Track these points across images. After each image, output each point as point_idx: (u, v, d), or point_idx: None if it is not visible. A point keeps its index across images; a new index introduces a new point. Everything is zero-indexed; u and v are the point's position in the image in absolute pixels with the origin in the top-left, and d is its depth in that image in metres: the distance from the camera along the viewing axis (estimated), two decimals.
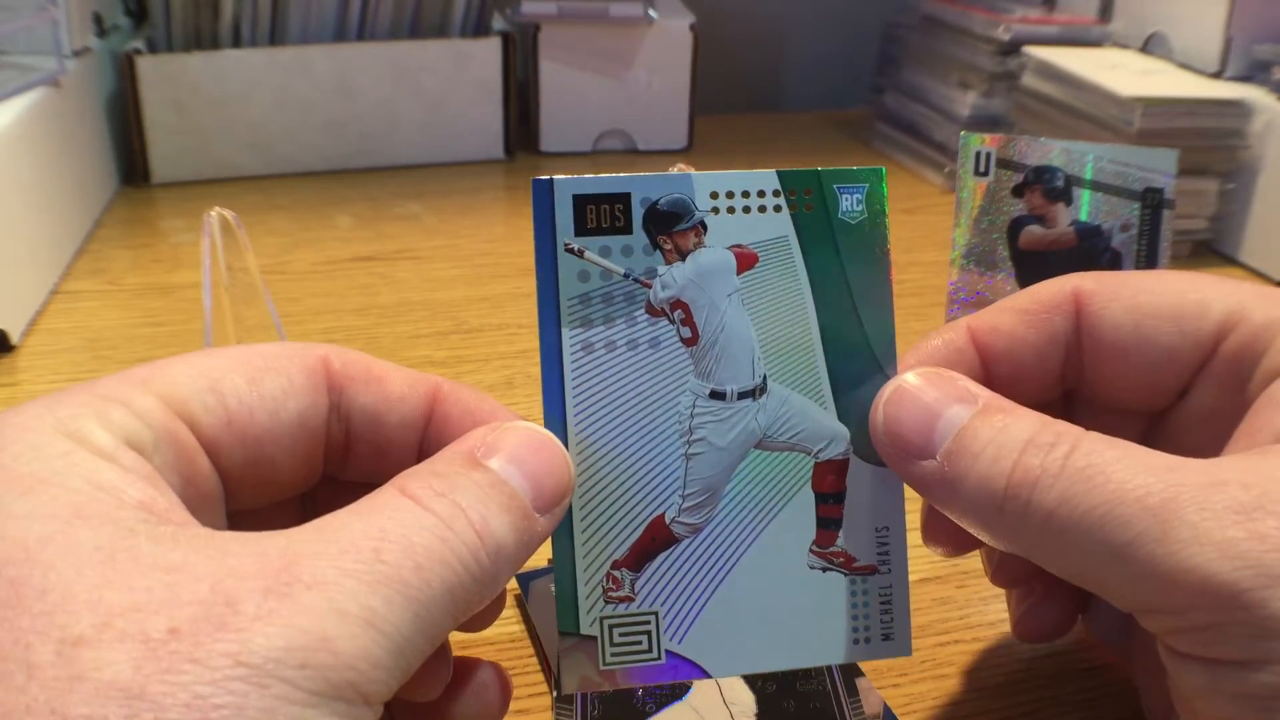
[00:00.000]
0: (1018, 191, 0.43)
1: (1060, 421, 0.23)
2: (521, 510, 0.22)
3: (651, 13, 0.80)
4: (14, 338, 0.52)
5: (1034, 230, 0.43)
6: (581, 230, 0.24)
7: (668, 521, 0.24)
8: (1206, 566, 0.20)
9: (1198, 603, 0.20)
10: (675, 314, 0.25)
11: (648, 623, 0.25)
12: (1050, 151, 0.43)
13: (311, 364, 0.24)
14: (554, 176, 0.24)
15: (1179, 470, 0.21)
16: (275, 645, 0.17)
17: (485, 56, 0.78)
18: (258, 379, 0.23)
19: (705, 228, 0.25)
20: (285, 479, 0.24)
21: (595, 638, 0.24)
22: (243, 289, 0.37)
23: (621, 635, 0.25)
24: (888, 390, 0.25)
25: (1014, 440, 0.22)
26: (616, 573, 0.25)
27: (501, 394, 0.49)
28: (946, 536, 0.28)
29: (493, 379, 0.50)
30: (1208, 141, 0.64)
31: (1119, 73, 0.68)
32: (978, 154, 0.43)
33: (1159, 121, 0.63)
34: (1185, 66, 0.71)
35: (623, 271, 0.25)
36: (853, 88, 0.99)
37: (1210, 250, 0.67)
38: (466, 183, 0.77)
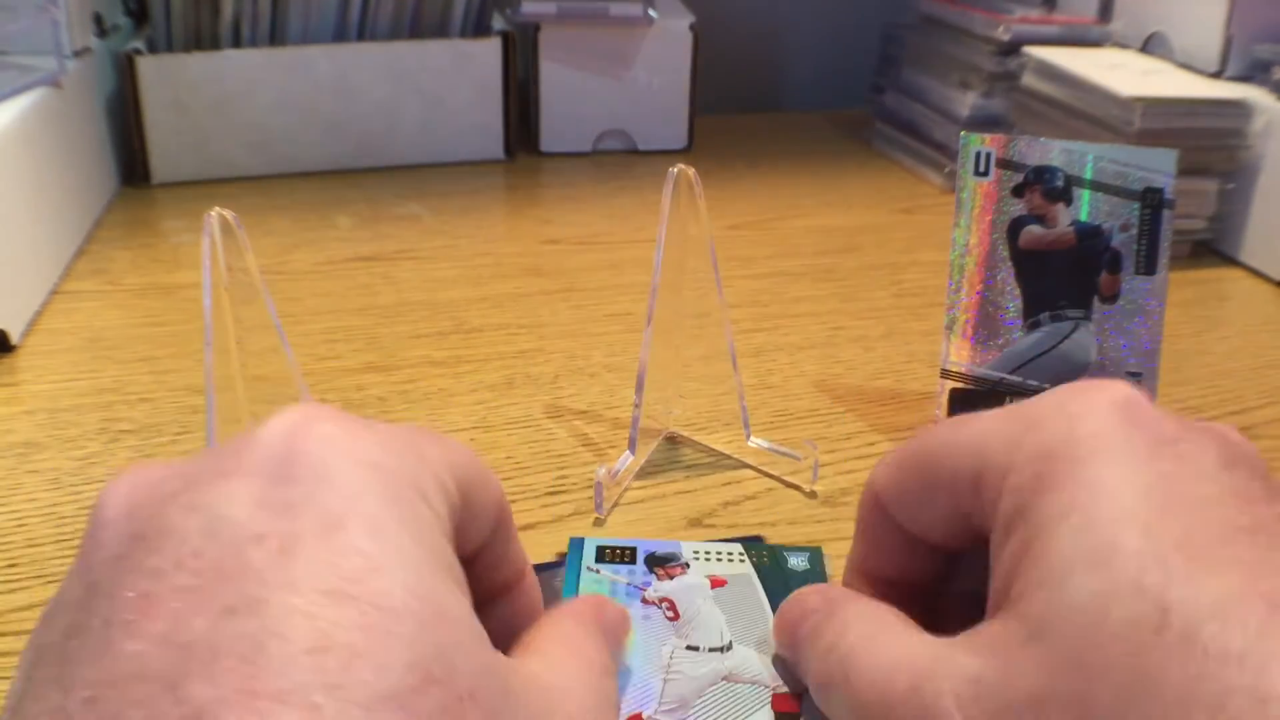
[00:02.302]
0: (1017, 191, 0.43)
1: (844, 615, 0.27)
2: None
3: (651, 13, 0.80)
4: (14, 338, 0.52)
5: (1034, 230, 0.43)
6: (600, 560, 0.36)
7: (645, 717, 0.30)
8: None
9: None
10: (663, 605, 0.34)
11: None
12: (1050, 151, 0.42)
13: (499, 500, 0.26)
14: (584, 537, 0.37)
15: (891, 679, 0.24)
16: None
17: (485, 57, 0.78)
18: (472, 489, 0.24)
19: (688, 567, 0.36)
20: None
21: None
22: (243, 289, 0.37)
23: None
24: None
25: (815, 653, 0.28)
26: None
27: (501, 394, 0.49)
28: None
29: (493, 379, 0.50)
30: (1208, 141, 0.64)
31: (1119, 73, 0.68)
32: (978, 154, 0.43)
33: (1159, 121, 0.63)
34: (1185, 66, 0.71)
35: (625, 580, 0.35)
36: (853, 88, 0.99)
37: (1210, 250, 0.67)
38: (466, 183, 0.77)
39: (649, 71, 0.82)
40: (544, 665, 0.24)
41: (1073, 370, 0.43)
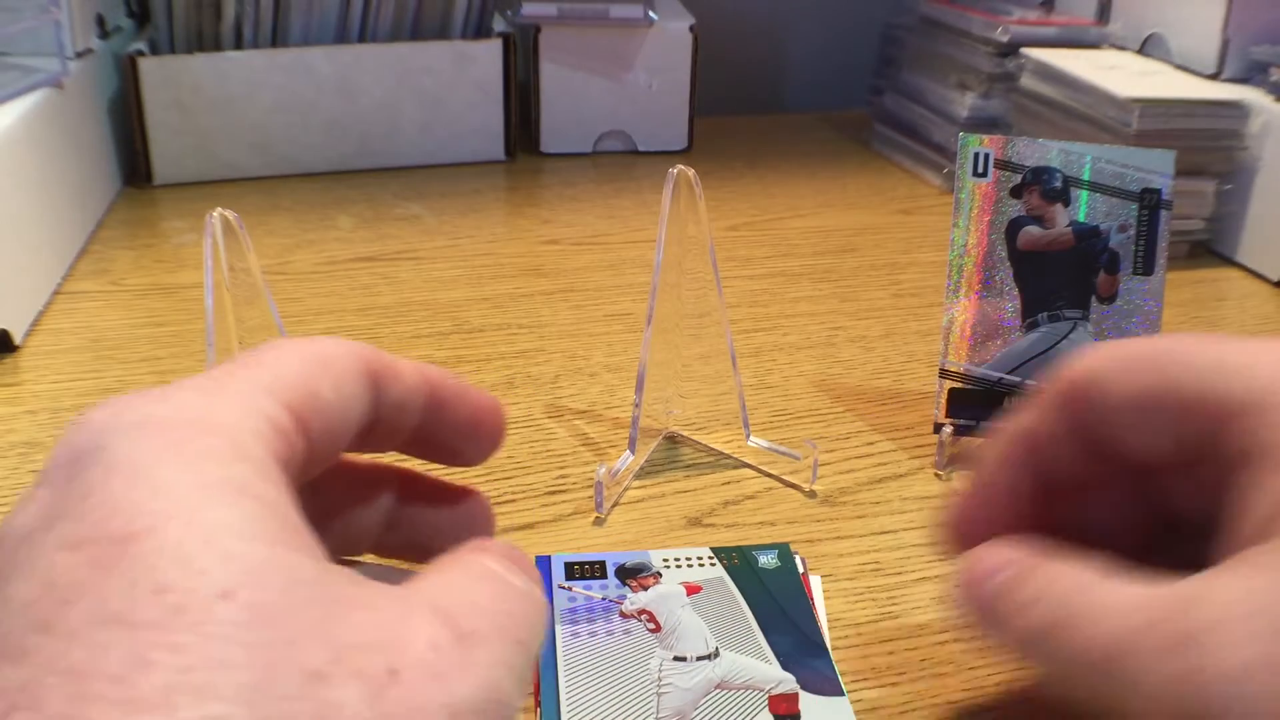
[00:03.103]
0: (1016, 192, 0.43)
1: (1046, 569, 0.27)
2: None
3: (651, 14, 0.80)
4: (17, 338, 0.52)
5: (1032, 231, 0.43)
6: (571, 577, 0.35)
7: None
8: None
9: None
10: (642, 618, 0.34)
11: None
12: (1048, 152, 0.43)
13: (364, 366, 0.24)
14: (550, 555, 0.36)
15: (1126, 616, 0.24)
16: (478, 698, 0.18)
17: (486, 58, 0.78)
18: (339, 386, 0.23)
19: (660, 576, 0.36)
20: (318, 471, 0.25)
21: None
22: (245, 289, 0.37)
23: None
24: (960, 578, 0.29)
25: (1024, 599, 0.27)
26: None
27: (502, 394, 0.49)
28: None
29: (493, 379, 0.50)
30: (1205, 142, 0.64)
31: (1117, 74, 0.68)
32: (976, 155, 0.43)
33: (1157, 122, 0.63)
34: (1183, 68, 0.72)
35: (600, 595, 0.35)
36: (852, 89, 0.99)
37: (1208, 251, 0.68)
38: (467, 183, 0.77)
39: (649, 72, 0.83)
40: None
41: None
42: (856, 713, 0.31)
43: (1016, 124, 0.74)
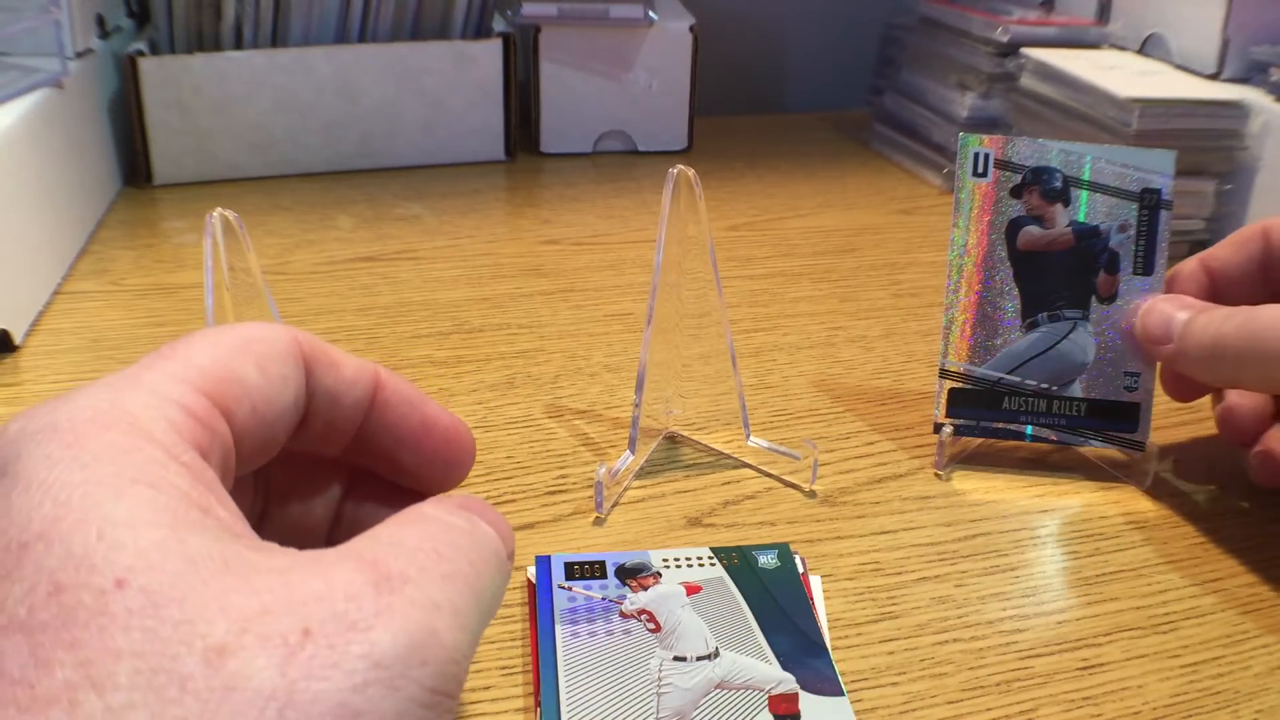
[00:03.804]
0: (1016, 192, 0.43)
1: (1241, 307, 0.38)
2: (501, 534, 0.23)
3: (651, 14, 0.80)
4: (17, 338, 0.52)
5: (1032, 231, 0.43)
6: (570, 577, 0.35)
7: None
8: None
9: None
10: (642, 617, 0.34)
11: None
12: (1048, 152, 0.43)
13: (293, 348, 0.24)
14: (550, 555, 0.36)
15: None
16: (400, 643, 0.18)
17: (486, 58, 0.78)
18: (265, 367, 0.23)
19: (660, 576, 0.36)
20: (264, 457, 0.25)
21: None
22: (244, 289, 0.37)
23: None
24: (1143, 308, 0.41)
25: (1214, 318, 0.38)
26: None
27: (502, 393, 0.49)
28: (1179, 390, 0.44)
29: (493, 379, 0.50)
30: (1205, 142, 0.64)
31: (1117, 74, 0.68)
32: (976, 155, 0.43)
33: (1157, 122, 0.63)
34: (1183, 68, 0.72)
35: (600, 595, 0.35)
36: (852, 89, 0.99)
37: None
38: (467, 184, 0.77)
39: (649, 72, 0.83)
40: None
41: (1071, 370, 0.43)
42: (856, 713, 0.31)
43: (1016, 124, 0.75)
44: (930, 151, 0.81)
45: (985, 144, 0.43)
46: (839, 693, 0.31)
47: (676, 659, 0.32)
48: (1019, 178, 0.43)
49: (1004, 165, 0.43)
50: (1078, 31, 0.78)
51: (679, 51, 0.83)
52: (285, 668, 0.17)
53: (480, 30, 0.79)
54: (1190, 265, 0.43)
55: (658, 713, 0.30)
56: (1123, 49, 0.77)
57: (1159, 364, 0.43)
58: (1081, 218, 0.43)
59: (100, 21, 0.73)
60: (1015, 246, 0.43)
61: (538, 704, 0.31)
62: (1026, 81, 0.73)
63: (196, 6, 0.72)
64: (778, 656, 0.33)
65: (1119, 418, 0.43)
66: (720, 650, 0.33)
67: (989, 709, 0.32)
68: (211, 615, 0.17)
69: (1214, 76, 0.70)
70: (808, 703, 0.31)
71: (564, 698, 0.31)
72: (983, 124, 0.77)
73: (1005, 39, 0.75)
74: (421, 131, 0.79)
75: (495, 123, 0.80)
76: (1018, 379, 0.43)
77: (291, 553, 0.19)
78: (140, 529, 0.18)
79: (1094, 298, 0.43)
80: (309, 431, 0.26)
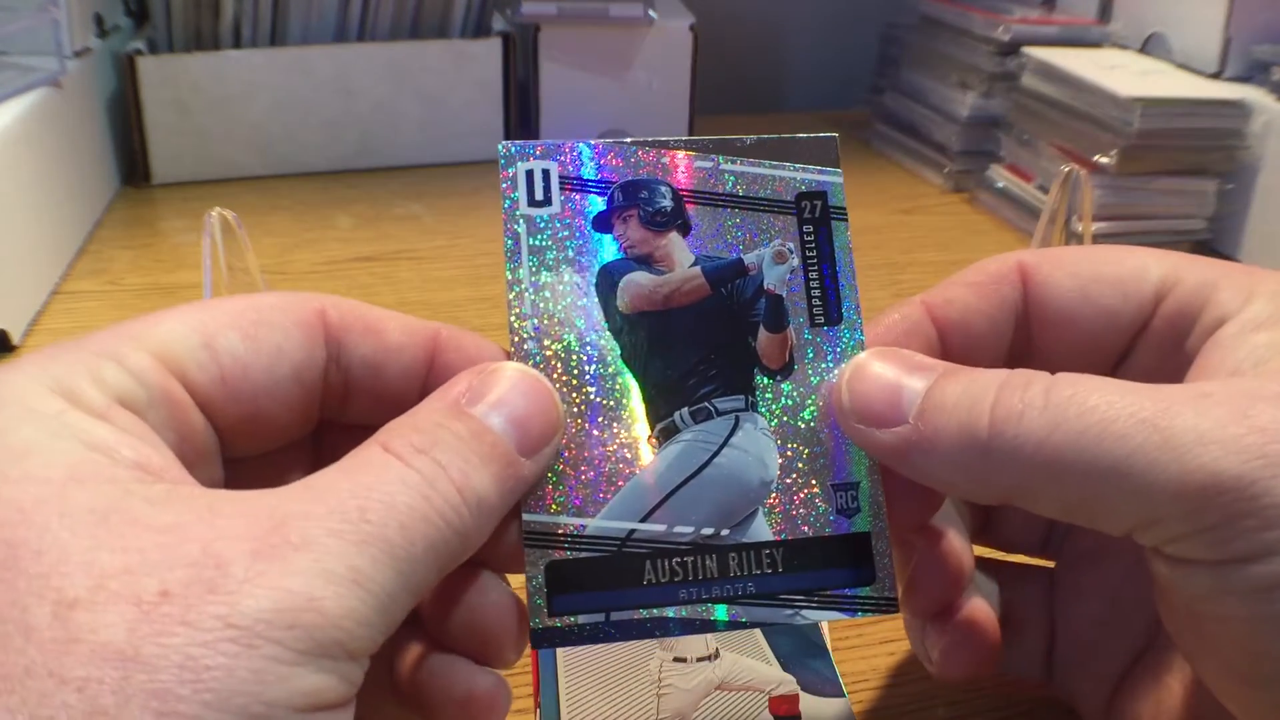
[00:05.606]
0: (602, 224, 0.27)
1: (1026, 369, 0.23)
2: (505, 459, 0.22)
3: (651, 13, 0.80)
4: (15, 338, 0.52)
5: (638, 281, 0.26)
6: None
7: None
8: (1214, 465, 0.20)
9: (1206, 503, 0.20)
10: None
11: None
12: (633, 155, 0.27)
13: (308, 316, 0.24)
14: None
15: (1160, 390, 0.22)
16: (264, 607, 0.17)
17: (485, 57, 0.78)
18: (253, 334, 0.23)
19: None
20: (281, 429, 0.24)
21: None
22: (243, 289, 0.37)
23: None
24: (849, 370, 0.25)
25: (987, 387, 0.23)
26: None
27: None
28: (913, 516, 0.27)
29: None
30: (1206, 142, 0.64)
31: (1118, 73, 0.68)
32: (529, 175, 0.27)
33: (1158, 122, 0.63)
34: (1184, 67, 0.72)
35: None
36: (852, 88, 0.99)
37: (1209, 251, 0.67)
38: (467, 183, 0.77)
39: (649, 72, 0.83)
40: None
41: (745, 497, 0.25)
42: (856, 713, 0.31)
43: (1017, 123, 0.74)
44: (931, 151, 0.81)
45: (538, 154, 0.27)
46: (839, 693, 0.31)
47: (676, 660, 0.32)
48: (603, 200, 0.27)
49: (574, 184, 0.27)
50: (1079, 30, 0.78)
51: (679, 51, 0.82)
52: (135, 626, 0.17)
53: (480, 29, 0.79)
54: (909, 310, 0.28)
55: (658, 713, 0.30)
56: (1124, 48, 0.77)
57: (880, 463, 0.26)
58: (713, 249, 0.27)
59: (98, 20, 0.73)
60: (617, 310, 0.26)
61: (538, 704, 0.31)
62: (1027, 81, 0.73)
63: (195, 5, 0.72)
64: (778, 657, 0.32)
65: (840, 562, 0.26)
66: (720, 651, 0.33)
67: (988, 710, 0.32)
68: (70, 570, 0.17)
69: (1216, 76, 0.70)
70: (808, 704, 0.31)
71: (564, 698, 0.31)
72: (983, 123, 0.77)
73: (1006, 38, 0.75)
74: (420, 131, 0.79)
75: (495, 122, 0.80)
76: (661, 527, 0.25)
77: (195, 505, 0.19)
78: (28, 484, 0.18)
79: (757, 371, 0.27)
80: (358, 403, 0.25)
